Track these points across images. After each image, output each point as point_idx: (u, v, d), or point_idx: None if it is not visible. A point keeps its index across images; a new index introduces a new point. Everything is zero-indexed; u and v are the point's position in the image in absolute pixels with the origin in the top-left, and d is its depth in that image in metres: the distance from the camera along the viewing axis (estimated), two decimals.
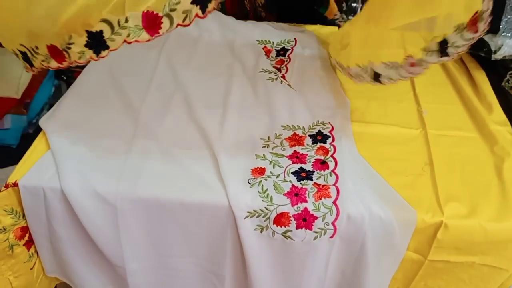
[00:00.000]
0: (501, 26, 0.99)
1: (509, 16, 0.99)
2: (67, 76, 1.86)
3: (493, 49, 1.01)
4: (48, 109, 1.73)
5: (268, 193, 0.79)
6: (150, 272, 0.88)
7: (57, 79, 1.81)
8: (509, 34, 0.98)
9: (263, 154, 0.86)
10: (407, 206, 0.78)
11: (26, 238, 0.87)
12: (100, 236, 0.83)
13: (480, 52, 1.05)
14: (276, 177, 0.82)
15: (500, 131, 0.92)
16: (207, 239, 0.84)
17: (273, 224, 0.78)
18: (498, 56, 1.00)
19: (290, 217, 0.78)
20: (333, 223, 0.77)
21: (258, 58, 1.08)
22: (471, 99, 0.99)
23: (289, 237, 0.78)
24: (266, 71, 1.04)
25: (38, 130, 0.92)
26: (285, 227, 0.78)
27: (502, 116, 0.96)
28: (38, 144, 0.89)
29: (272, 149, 0.87)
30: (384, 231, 0.78)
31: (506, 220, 0.78)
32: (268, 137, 0.90)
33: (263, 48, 1.12)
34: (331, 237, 0.78)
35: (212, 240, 0.84)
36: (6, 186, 0.80)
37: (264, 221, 0.78)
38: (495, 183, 0.84)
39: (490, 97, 1.00)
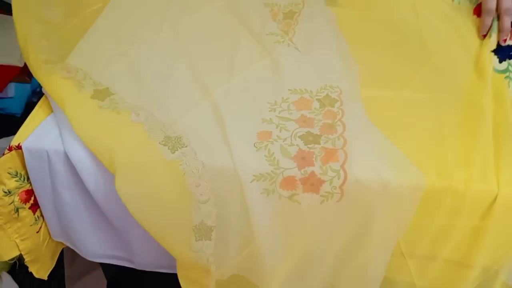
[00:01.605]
0: None
1: None
2: None
3: None
4: None
5: (274, 157, 0.78)
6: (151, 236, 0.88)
7: None
8: None
9: (270, 118, 0.85)
10: (415, 170, 0.77)
11: (31, 201, 0.86)
12: (103, 199, 0.83)
13: None
14: (283, 141, 0.81)
15: None
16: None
17: (280, 187, 0.77)
18: None
19: (297, 180, 0.76)
20: (340, 187, 0.76)
21: (265, 21, 1.05)
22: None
23: (296, 200, 0.77)
24: (273, 34, 1.01)
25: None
26: (291, 190, 0.77)
27: None
28: (40, 107, 0.88)
29: (279, 113, 0.86)
30: (392, 195, 0.77)
31: None
32: (275, 101, 0.88)
33: (270, 11, 1.09)
34: (338, 201, 0.77)
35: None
36: (10, 149, 0.80)
37: (271, 185, 0.77)
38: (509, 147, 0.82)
39: None
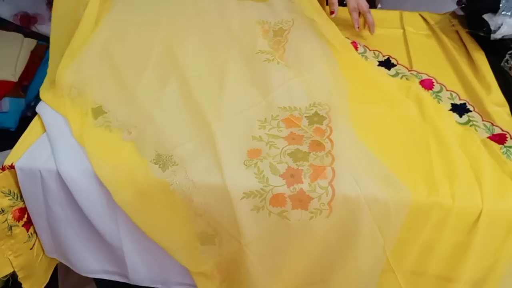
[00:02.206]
0: (501, 5, 0.97)
1: None
2: None
3: (492, 28, 1.00)
4: None
5: (264, 175, 0.79)
6: (147, 252, 0.89)
7: None
8: (509, 13, 0.97)
9: (259, 136, 0.86)
10: (402, 187, 0.79)
11: (24, 219, 0.87)
12: (97, 217, 0.84)
13: (479, 32, 1.04)
14: (272, 158, 0.82)
15: (498, 112, 0.92)
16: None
17: (269, 204, 0.78)
18: (497, 35, 0.99)
19: (286, 197, 0.78)
20: (328, 204, 0.78)
21: (256, 39, 1.06)
22: (470, 80, 0.99)
23: (285, 217, 0.78)
24: (263, 52, 1.03)
25: (37, 113, 0.92)
26: (281, 207, 0.78)
27: (501, 97, 0.95)
28: (34, 126, 0.90)
29: (269, 131, 0.87)
30: (379, 211, 0.78)
31: (502, 201, 0.78)
32: (265, 118, 0.90)
33: (260, 29, 1.10)
34: (327, 217, 0.78)
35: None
36: (3, 169, 0.81)
37: (260, 202, 0.78)
38: (493, 163, 0.84)
39: (489, 78, 0.99)
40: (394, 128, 0.90)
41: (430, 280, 0.86)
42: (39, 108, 0.92)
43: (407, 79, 1.01)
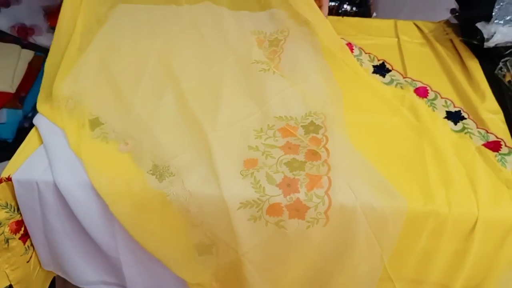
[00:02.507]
0: (493, 13, 0.98)
1: (501, 3, 0.99)
2: None
3: (485, 36, 1.00)
4: None
5: (260, 184, 0.80)
6: (144, 263, 0.89)
7: None
8: (502, 22, 0.98)
9: (256, 145, 0.86)
10: (398, 195, 0.79)
11: (21, 232, 0.87)
12: (94, 228, 0.84)
13: (473, 40, 1.05)
14: (269, 168, 0.82)
15: (492, 119, 0.92)
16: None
17: (266, 214, 0.78)
18: (490, 43, 1.00)
19: (283, 207, 0.78)
20: (325, 213, 0.78)
21: (251, 49, 1.07)
22: (464, 87, 0.99)
23: (282, 226, 0.79)
24: (259, 62, 1.04)
25: (33, 124, 0.92)
26: (278, 217, 0.78)
27: (495, 105, 0.96)
28: (31, 138, 0.90)
29: (265, 140, 0.88)
30: (376, 220, 0.79)
31: (498, 208, 0.78)
32: (261, 128, 0.90)
33: (256, 39, 1.11)
34: (323, 226, 0.79)
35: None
36: (0, 181, 0.81)
37: (257, 212, 0.79)
38: (488, 171, 0.84)
39: (483, 86, 1.00)
40: (389, 136, 0.90)
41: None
42: (37, 119, 0.92)
43: (401, 87, 1.02)
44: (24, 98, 1.60)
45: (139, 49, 1.09)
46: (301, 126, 0.90)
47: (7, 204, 0.83)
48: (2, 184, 0.81)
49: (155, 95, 0.97)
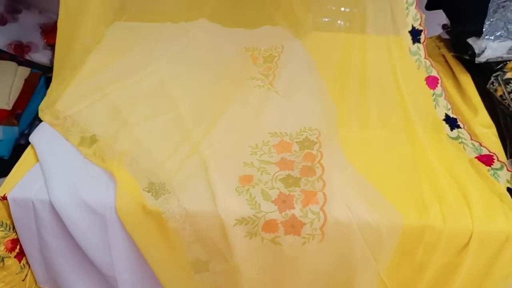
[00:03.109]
0: (484, 29, 1.00)
1: (491, 19, 1.00)
2: None
3: (476, 51, 1.02)
4: (40, 120, 1.74)
5: (256, 201, 0.80)
6: (140, 281, 0.89)
7: (47, 89, 1.82)
8: (492, 37, 1.00)
9: (251, 162, 0.87)
10: (393, 210, 0.79)
11: (17, 250, 0.87)
12: (90, 247, 0.84)
13: (465, 55, 1.06)
14: (264, 185, 0.83)
15: (485, 134, 0.93)
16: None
17: (262, 231, 0.79)
18: (482, 59, 1.01)
19: (278, 223, 0.78)
20: (321, 229, 0.78)
21: (246, 66, 1.08)
22: (456, 102, 1.01)
23: (278, 243, 0.79)
24: (253, 79, 1.05)
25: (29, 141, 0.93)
26: (273, 233, 0.79)
27: (487, 119, 0.97)
28: (26, 156, 0.90)
29: (260, 156, 0.88)
30: (371, 235, 0.79)
31: (492, 222, 0.79)
32: (256, 144, 0.91)
33: (250, 55, 1.12)
34: (319, 242, 0.79)
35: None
36: None
37: (253, 228, 0.79)
38: (481, 184, 0.85)
39: (475, 100, 1.01)
40: (383, 151, 0.91)
41: None
42: (32, 137, 0.93)
43: None
44: (20, 115, 1.60)
45: (135, 68, 1.09)
46: (296, 142, 0.91)
47: (2, 222, 0.83)
48: None
49: (150, 114, 0.98)
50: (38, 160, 0.88)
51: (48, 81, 1.81)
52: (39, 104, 1.71)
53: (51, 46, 1.81)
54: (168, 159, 0.87)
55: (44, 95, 1.74)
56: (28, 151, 0.91)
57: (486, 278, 0.83)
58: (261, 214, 0.79)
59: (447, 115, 0.96)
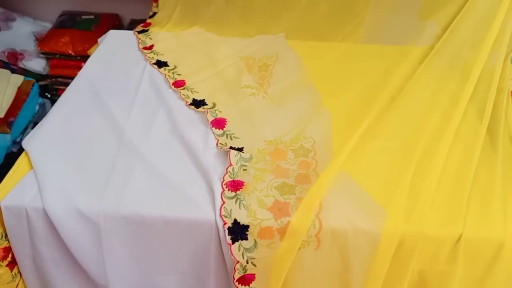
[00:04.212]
0: None
1: None
2: (51, 94, 1.87)
3: None
4: (33, 128, 1.73)
5: (251, 208, 0.80)
6: None
7: (41, 97, 1.82)
8: None
9: (246, 169, 0.87)
10: (388, 218, 0.79)
11: (8, 259, 0.86)
12: (83, 256, 0.83)
13: None
14: (260, 192, 0.83)
15: None
16: (191, 255, 0.84)
17: (258, 237, 0.78)
18: None
19: (274, 231, 0.78)
20: (316, 236, 0.78)
21: (241, 74, 1.09)
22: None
23: (274, 248, 0.79)
24: (248, 87, 1.05)
25: (23, 149, 0.92)
26: (269, 239, 0.78)
27: None
28: (20, 164, 0.89)
29: (255, 164, 0.88)
30: (366, 243, 0.79)
31: (483, 229, 0.79)
32: (251, 152, 0.91)
33: (245, 64, 1.13)
34: (316, 249, 0.79)
35: (196, 256, 0.84)
36: None
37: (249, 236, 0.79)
38: (474, 191, 0.85)
39: None
40: (378, 159, 0.91)
41: None
42: (26, 143, 0.92)
43: None
44: (13, 122, 1.60)
45: (129, 75, 1.10)
46: (291, 149, 0.91)
47: None
48: None
49: (146, 120, 0.98)
50: (31, 168, 0.87)
51: (42, 88, 1.82)
52: (32, 112, 1.72)
53: (45, 54, 1.82)
54: (165, 167, 0.88)
55: (37, 103, 1.76)
56: (21, 158, 0.90)
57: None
58: (256, 222, 0.78)
59: None
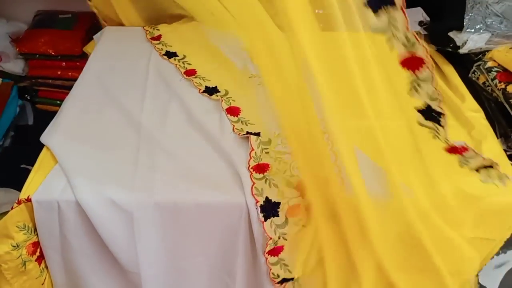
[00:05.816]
0: (465, 23, 1.09)
1: (470, 14, 1.09)
2: (31, 96, 1.83)
3: (458, 44, 1.11)
4: (14, 130, 1.69)
5: (280, 187, 0.84)
6: (163, 276, 0.90)
7: (21, 99, 1.77)
8: (473, 30, 1.09)
9: (267, 152, 0.91)
10: (403, 187, 0.85)
11: (37, 254, 0.86)
12: (116, 245, 0.84)
13: (447, 48, 1.15)
14: (284, 173, 0.87)
15: (475, 117, 1.01)
16: (220, 237, 0.87)
17: (287, 215, 0.83)
18: (464, 50, 1.10)
19: (301, 208, 0.83)
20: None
21: (246, 64, 1.12)
22: (445, 90, 1.08)
23: (302, 225, 0.83)
24: (256, 76, 1.09)
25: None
26: (297, 217, 0.83)
27: (475, 104, 1.04)
28: (43, 159, 0.89)
29: (275, 148, 0.92)
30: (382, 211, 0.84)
31: (492, 194, 0.86)
32: (268, 136, 0.94)
33: (248, 54, 1.16)
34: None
35: (224, 237, 0.87)
36: (19, 202, 0.80)
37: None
38: None
39: (461, 88, 1.09)
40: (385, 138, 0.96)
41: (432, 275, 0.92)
42: (45, 139, 0.92)
43: None
44: None
45: (135, 68, 1.11)
46: None
47: (25, 225, 0.82)
48: (20, 205, 0.80)
49: (160, 111, 0.99)
50: (56, 162, 0.87)
51: (21, 90, 1.78)
52: (12, 115, 1.68)
53: (24, 55, 1.78)
54: (186, 154, 0.90)
55: (17, 105, 1.71)
56: (44, 153, 0.90)
57: None
58: (285, 200, 0.82)
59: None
